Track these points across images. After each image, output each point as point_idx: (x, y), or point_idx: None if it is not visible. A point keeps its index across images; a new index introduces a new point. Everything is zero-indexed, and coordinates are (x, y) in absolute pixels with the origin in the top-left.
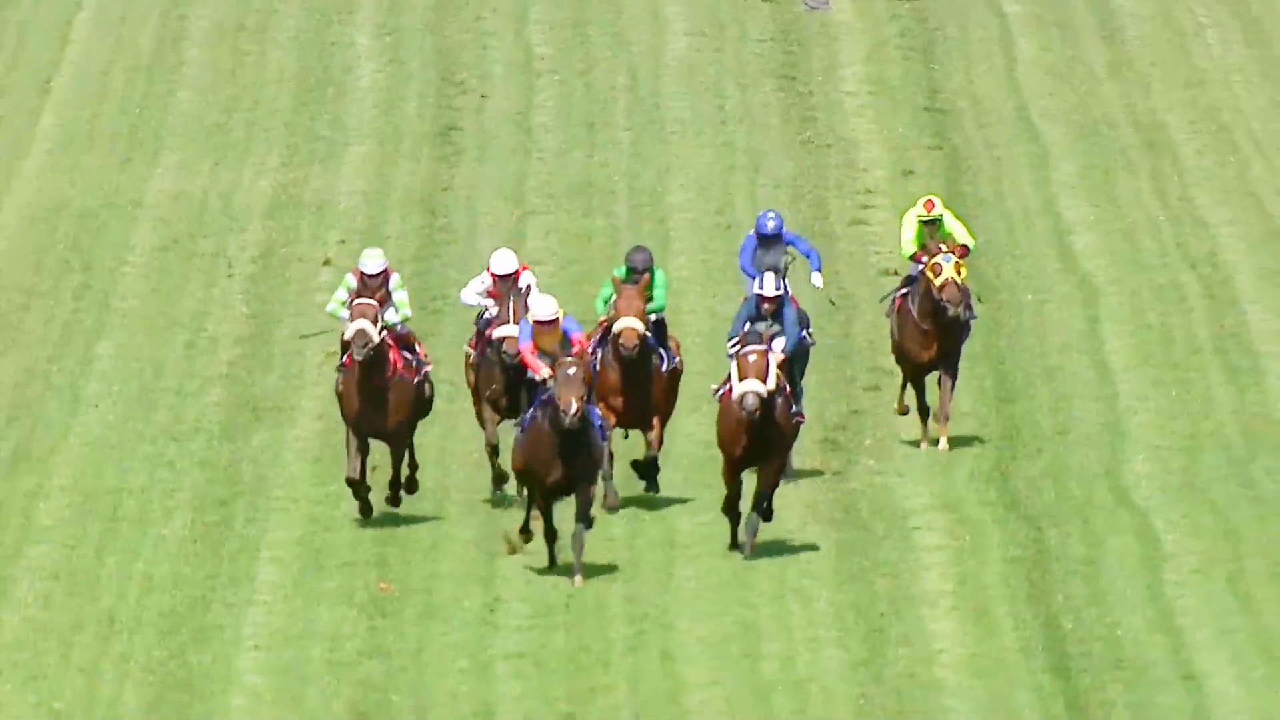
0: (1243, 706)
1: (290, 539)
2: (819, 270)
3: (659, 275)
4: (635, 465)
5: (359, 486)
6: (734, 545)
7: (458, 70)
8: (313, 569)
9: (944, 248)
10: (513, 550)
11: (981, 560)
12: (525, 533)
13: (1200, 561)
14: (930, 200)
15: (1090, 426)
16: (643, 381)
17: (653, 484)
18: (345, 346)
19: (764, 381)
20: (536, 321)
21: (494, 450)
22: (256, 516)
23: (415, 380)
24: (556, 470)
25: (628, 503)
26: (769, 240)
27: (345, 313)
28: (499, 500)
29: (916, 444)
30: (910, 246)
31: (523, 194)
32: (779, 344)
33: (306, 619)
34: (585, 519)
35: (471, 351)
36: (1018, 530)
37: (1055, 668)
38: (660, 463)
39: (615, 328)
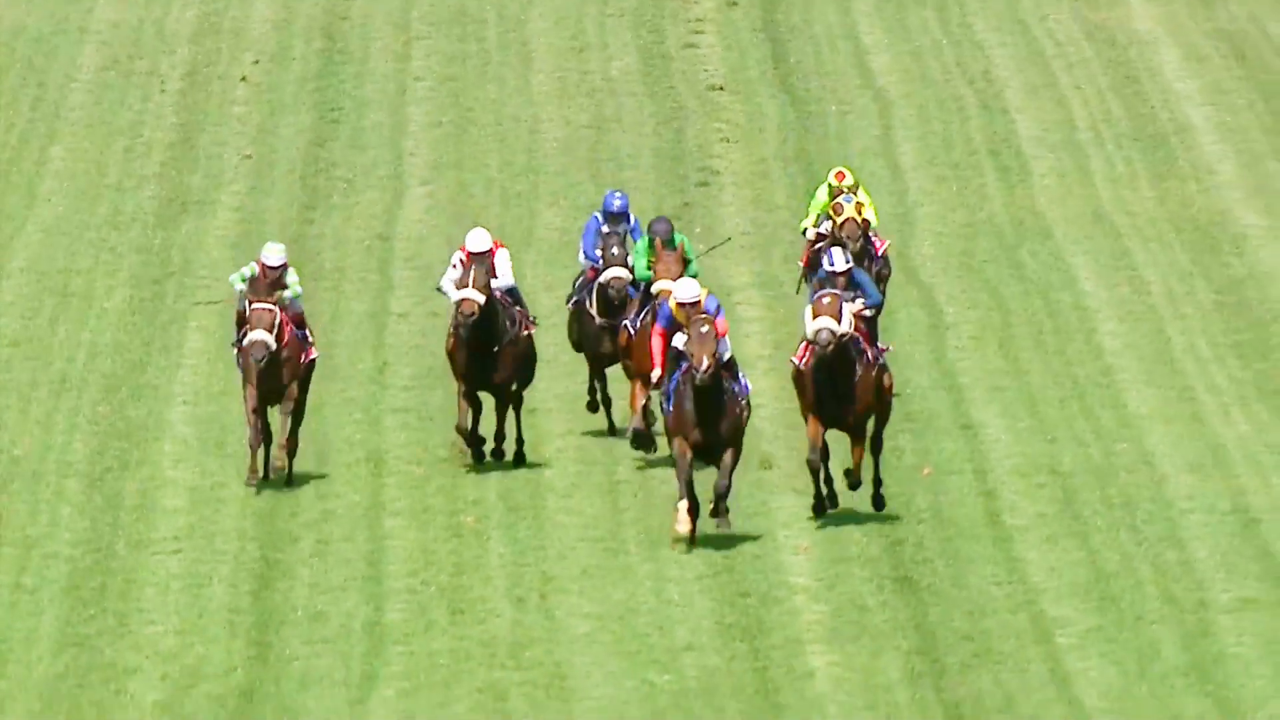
0: (1011, 451)
1: (213, 311)
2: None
3: (681, 238)
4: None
5: (256, 455)
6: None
7: None
8: (230, 336)
9: (845, 190)
10: (680, 543)
11: (791, 331)
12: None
13: (976, 330)
14: (841, 171)
15: (884, 217)
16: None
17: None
18: (240, 324)
19: (838, 321)
20: (679, 303)
21: (464, 432)
22: (184, 293)
23: (305, 361)
24: (697, 432)
25: None
26: (615, 218)
27: (241, 287)
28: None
29: None
30: (807, 223)
31: (409, 21)
32: (857, 304)
33: (226, 379)
34: (726, 480)
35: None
36: None
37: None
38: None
39: (655, 289)
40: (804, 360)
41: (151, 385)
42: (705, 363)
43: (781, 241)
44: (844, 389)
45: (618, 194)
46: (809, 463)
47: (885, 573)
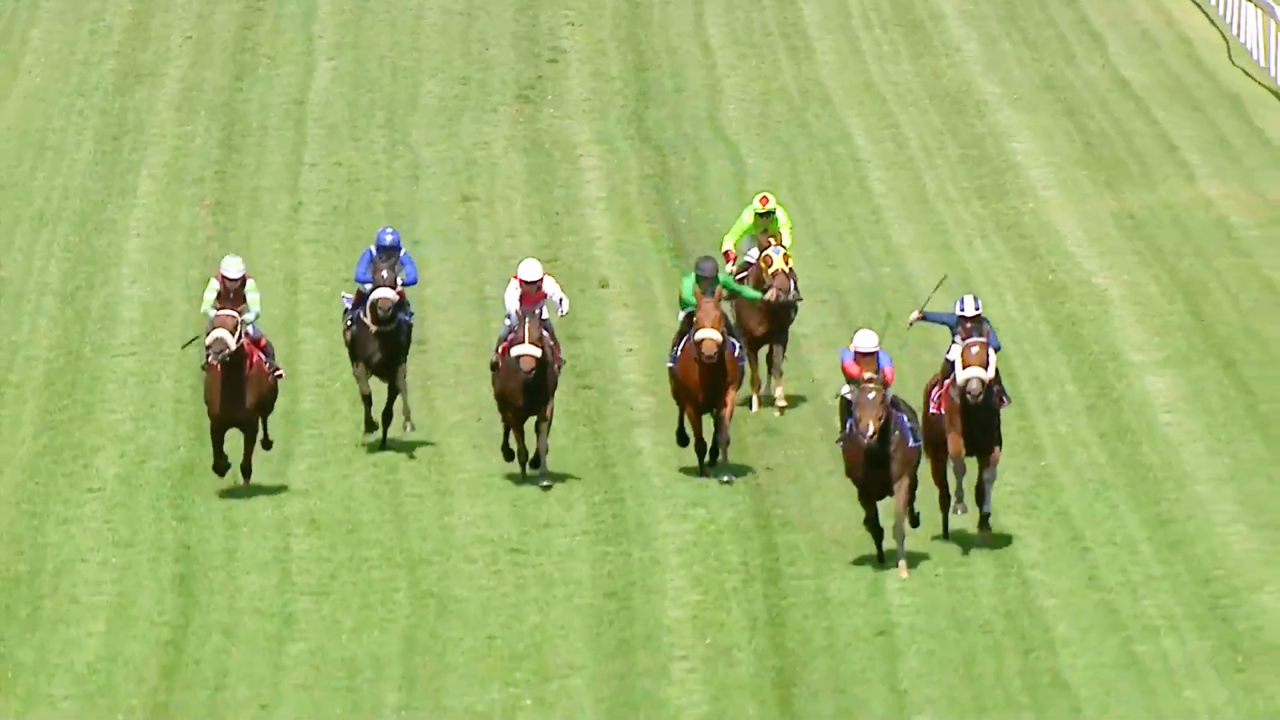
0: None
1: (161, 161)
2: (413, 281)
3: (726, 280)
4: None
5: (221, 465)
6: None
7: None
8: (176, 180)
9: (773, 242)
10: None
11: (624, 178)
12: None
13: (771, 176)
14: (765, 196)
15: (698, 85)
16: (719, 378)
17: (720, 461)
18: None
19: (985, 369)
20: (858, 352)
21: (509, 453)
22: (138, 147)
23: (270, 379)
24: (864, 475)
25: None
26: (387, 251)
27: (213, 311)
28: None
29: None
30: (729, 241)
31: None
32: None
33: (173, 215)
34: (903, 517)
35: (498, 360)
36: (648, 157)
37: (676, 249)
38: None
39: (697, 336)
40: (936, 404)
41: (111, 220)
42: (870, 428)
43: (615, 105)
44: (985, 425)
45: (389, 231)
46: (949, 484)
47: None
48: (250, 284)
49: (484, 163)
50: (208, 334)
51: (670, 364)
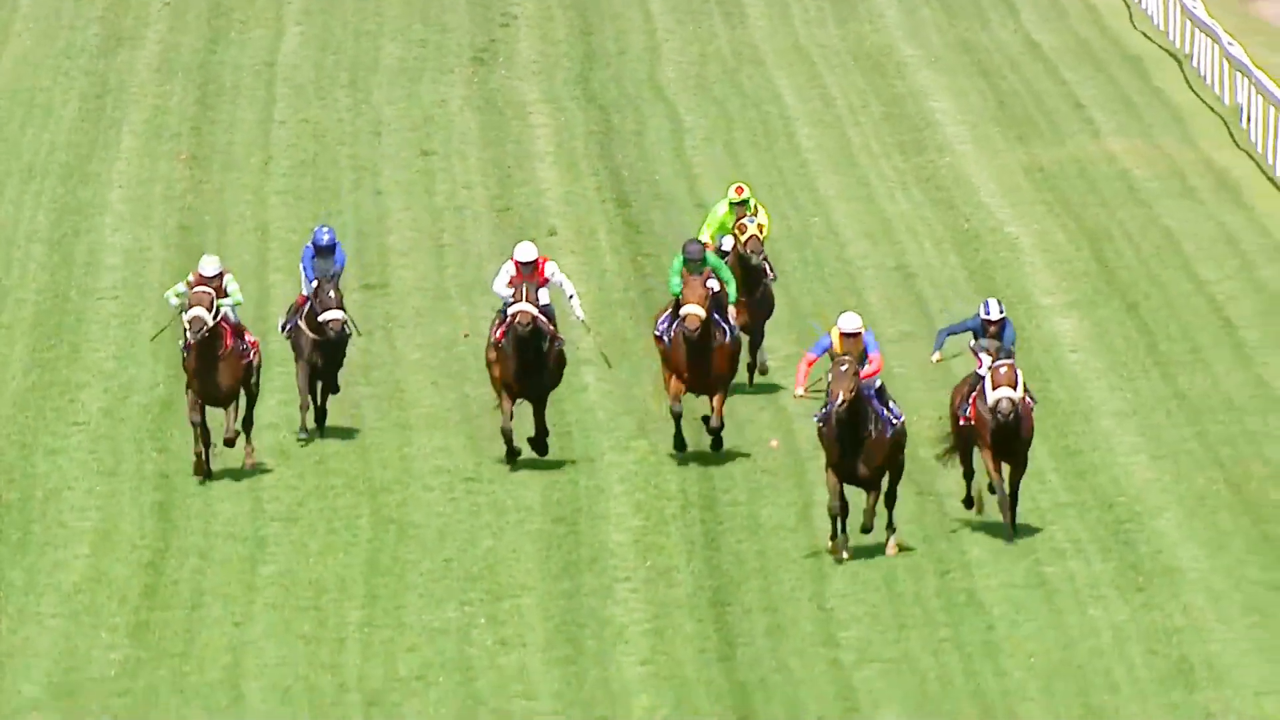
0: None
1: (141, 119)
2: (342, 268)
3: (712, 259)
4: (704, 420)
5: (200, 451)
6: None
7: None
8: (155, 136)
9: (747, 213)
10: (835, 556)
11: (570, 130)
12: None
13: (707, 133)
14: (740, 186)
15: (639, 48)
16: (706, 356)
17: (717, 444)
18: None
19: (1015, 389)
20: (843, 333)
21: (509, 434)
22: (120, 105)
23: (244, 361)
24: (838, 454)
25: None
26: (323, 250)
27: (174, 296)
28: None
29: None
30: (705, 233)
31: None
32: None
33: (152, 169)
34: (875, 500)
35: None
36: (593, 115)
37: (619, 200)
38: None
39: (681, 311)
40: (967, 416)
41: (95, 173)
42: (841, 397)
43: (563, 67)
44: (1017, 437)
45: (326, 229)
46: (989, 490)
47: None
48: (228, 278)
49: (441, 120)
50: (185, 312)
51: (657, 334)
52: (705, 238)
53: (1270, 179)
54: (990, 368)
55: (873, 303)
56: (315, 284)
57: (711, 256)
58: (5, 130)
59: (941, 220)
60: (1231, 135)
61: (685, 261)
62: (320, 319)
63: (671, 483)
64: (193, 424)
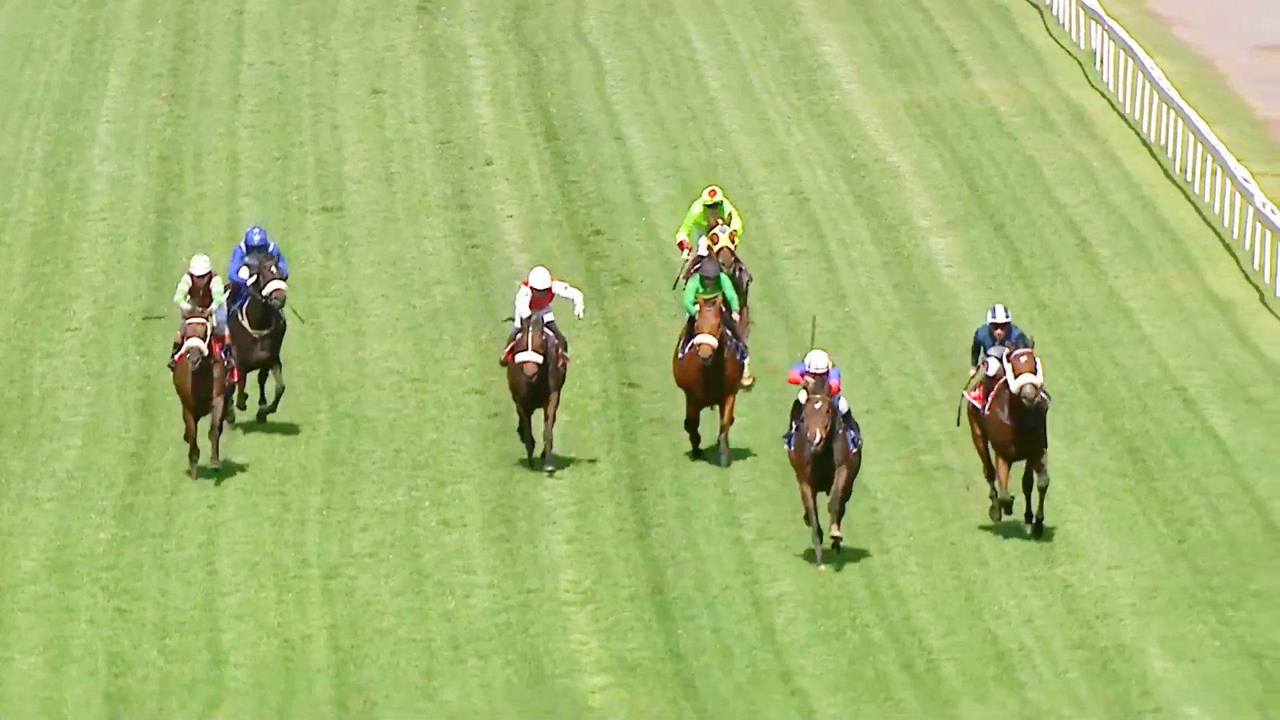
0: (647, 153)
1: (126, 60)
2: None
3: (724, 280)
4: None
5: (193, 448)
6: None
7: None
8: (139, 76)
9: (720, 222)
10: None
11: (504, 71)
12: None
13: (624, 74)
14: (713, 189)
15: (564, 11)
16: (718, 377)
17: (724, 456)
18: (177, 346)
19: (1036, 374)
20: (808, 374)
21: (524, 435)
22: (108, 49)
23: (231, 377)
24: (809, 475)
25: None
26: (255, 250)
27: (185, 304)
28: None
29: None
30: (682, 233)
31: None
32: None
33: (135, 105)
34: (836, 515)
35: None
36: (525, 58)
37: (547, 133)
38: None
39: (695, 341)
40: (987, 404)
41: (85, 109)
42: (817, 436)
43: (498, 15)
44: (1034, 429)
45: (257, 229)
46: (1003, 503)
47: None
48: (215, 279)
49: (390, 62)
50: (182, 341)
51: (680, 355)
52: (682, 237)
53: (1121, 114)
54: (1010, 357)
55: (771, 223)
56: (258, 266)
57: (724, 279)
58: (5, 71)
59: (832, 151)
60: (1086, 76)
61: (701, 280)
62: (265, 292)
63: (594, 383)
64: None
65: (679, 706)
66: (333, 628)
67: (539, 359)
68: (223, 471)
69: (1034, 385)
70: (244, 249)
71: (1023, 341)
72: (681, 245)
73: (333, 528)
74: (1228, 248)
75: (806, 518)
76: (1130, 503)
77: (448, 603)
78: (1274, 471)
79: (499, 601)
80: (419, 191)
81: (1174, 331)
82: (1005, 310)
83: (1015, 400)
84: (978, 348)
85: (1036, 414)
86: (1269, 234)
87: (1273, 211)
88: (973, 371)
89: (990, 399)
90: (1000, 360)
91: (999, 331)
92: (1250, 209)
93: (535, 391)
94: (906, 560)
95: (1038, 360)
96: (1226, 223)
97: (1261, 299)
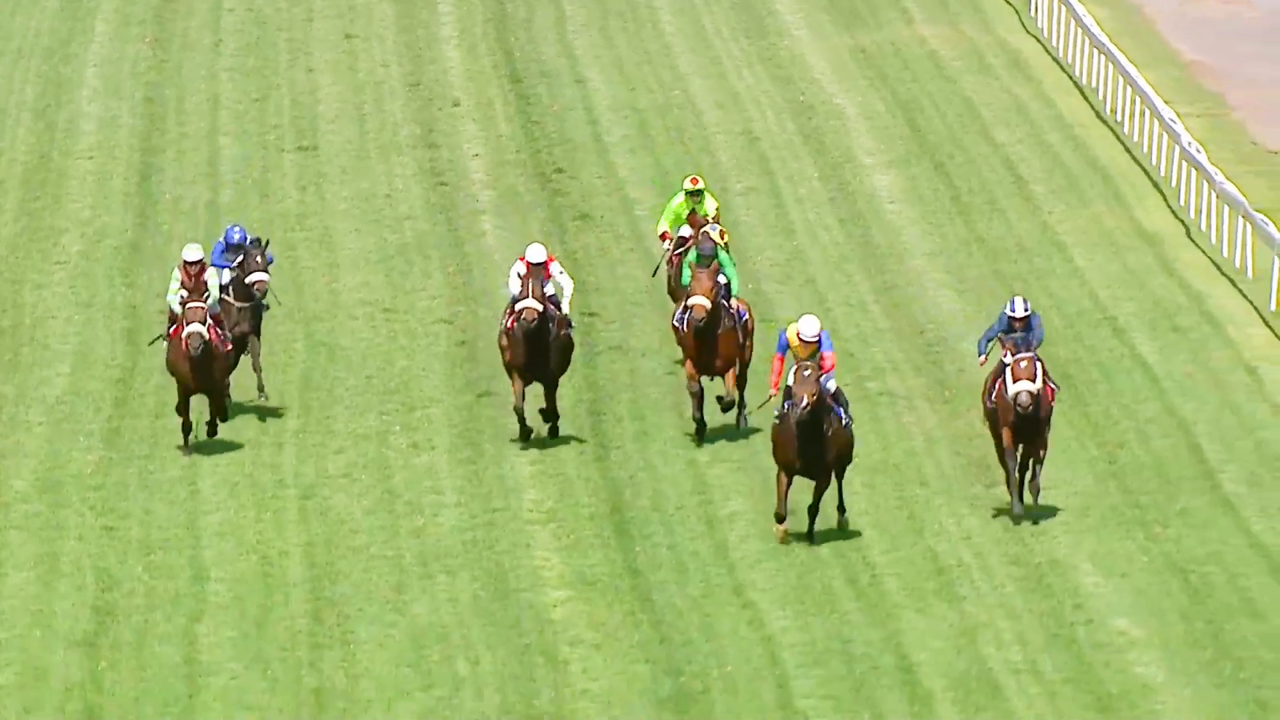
0: (606, 96)
1: (113, 7)
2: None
3: (724, 257)
4: (719, 399)
5: (187, 427)
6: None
7: None
8: (125, 22)
9: (709, 220)
10: (784, 539)
11: (471, 17)
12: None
13: (585, 19)
14: (694, 178)
15: None
16: (713, 341)
17: (740, 419)
18: (173, 320)
19: (1033, 381)
20: (801, 339)
21: (520, 412)
22: (99, 12)
23: (226, 350)
24: (796, 457)
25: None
26: (234, 248)
27: (177, 301)
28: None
29: None
30: (664, 224)
31: None
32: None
33: (122, 49)
34: (823, 491)
35: (504, 326)
36: (490, 4)
37: (512, 76)
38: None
39: (689, 302)
40: (993, 400)
41: (74, 53)
42: (805, 401)
43: None
44: (1035, 427)
45: (237, 228)
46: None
47: None
48: (209, 270)
49: (363, 8)
50: (183, 327)
51: (674, 324)
52: (664, 227)
53: (1054, 58)
54: (1011, 361)
55: (723, 162)
56: (242, 250)
57: (722, 253)
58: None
59: (781, 94)
60: (1022, 22)
61: (698, 256)
62: (247, 280)
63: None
64: (181, 414)
65: (636, 619)
66: (308, 545)
67: (539, 306)
68: (202, 395)
69: (1029, 394)
70: (223, 245)
71: (1027, 344)
72: (663, 236)
73: (308, 450)
74: (1155, 185)
75: (779, 518)
76: (1063, 426)
77: (417, 521)
78: (1198, 397)
79: (466, 520)
80: (390, 131)
81: (1104, 264)
82: (1025, 303)
83: (1014, 404)
84: (986, 340)
85: (1036, 414)
86: (1194, 172)
87: (1198, 150)
88: (981, 360)
89: (999, 384)
90: (1006, 346)
91: (1018, 324)
92: (1176, 148)
93: (534, 343)
94: (853, 479)
95: (1038, 365)
96: (1154, 161)
97: (1187, 233)
